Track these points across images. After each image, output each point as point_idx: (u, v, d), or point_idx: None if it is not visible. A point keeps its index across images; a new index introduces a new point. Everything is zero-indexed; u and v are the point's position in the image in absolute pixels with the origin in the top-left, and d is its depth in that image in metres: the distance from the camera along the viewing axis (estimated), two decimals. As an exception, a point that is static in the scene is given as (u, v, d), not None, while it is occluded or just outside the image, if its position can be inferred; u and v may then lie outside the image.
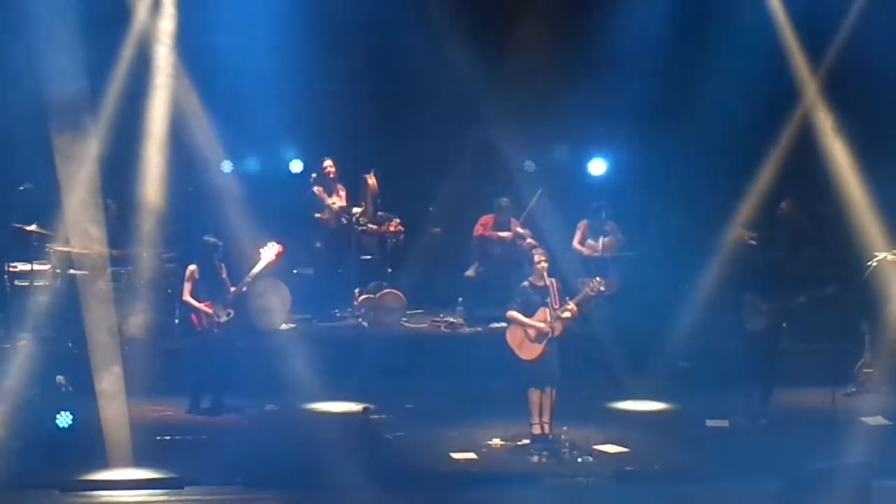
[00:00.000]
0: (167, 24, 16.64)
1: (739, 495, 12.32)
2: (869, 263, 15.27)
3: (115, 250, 15.97)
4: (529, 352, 13.58)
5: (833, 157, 17.26)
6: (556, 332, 13.51)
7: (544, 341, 13.53)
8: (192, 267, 14.71)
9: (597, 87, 17.23)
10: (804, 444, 13.23)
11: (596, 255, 16.97)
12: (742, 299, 14.74)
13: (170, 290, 15.99)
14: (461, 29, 17.79)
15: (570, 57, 17.37)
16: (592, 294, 13.71)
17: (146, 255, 16.24)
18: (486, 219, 17.73)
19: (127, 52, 16.56)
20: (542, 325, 13.51)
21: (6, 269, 16.04)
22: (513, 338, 13.69)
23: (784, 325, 15.01)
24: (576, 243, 17.21)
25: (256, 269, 14.82)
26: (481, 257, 17.63)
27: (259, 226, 16.03)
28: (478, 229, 17.64)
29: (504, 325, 13.99)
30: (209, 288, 14.62)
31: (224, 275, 14.70)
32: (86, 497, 12.18)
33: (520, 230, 17.41)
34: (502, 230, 17.51)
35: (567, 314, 13.51)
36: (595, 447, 13.26)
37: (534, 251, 13.99)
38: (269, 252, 14.88)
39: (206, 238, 14.75)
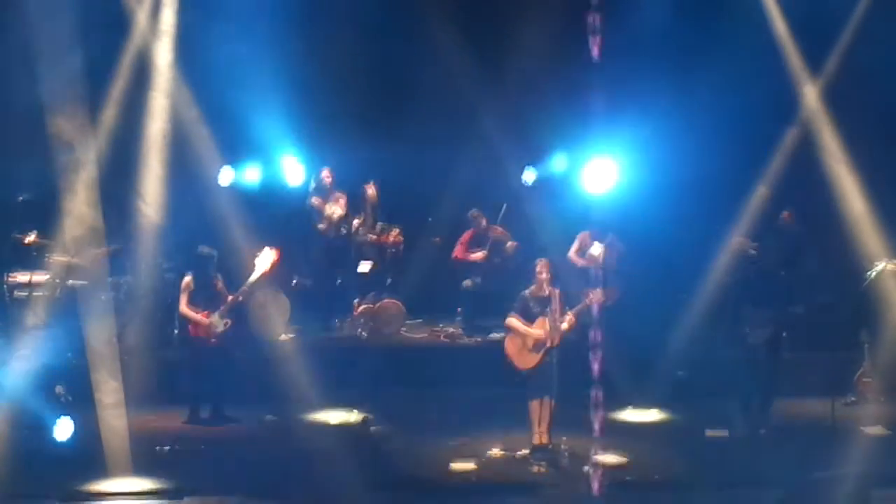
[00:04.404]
0: (166, 32, 16.66)
1: (739, 505, 12.37)
2: (868, 273, 15.27)
3: (112, 246, 15.99)
4: (527, 361, 13.59)
5: (833, 166, 17.26)
6: (555, 343, 13.51)
7: (542, 351, 13.53)
8: (187, 278, 14.74)
9: (595, 97, 17.21)
10: (804, 454, 13.22)
11: (596, 265, 16.95)
12: (741, 313, 14.72)
13: (169, 301, 15.98)
14: (460, 39, 17.81)
15: (569, 65, 17.35)
16: (592, 305, 13.71)
17: (145, 265, 16.24)
18: (466, 235, 17.87)
19: (126, 59, 16.59)
20: (540, 334, 13.52)
21: (5, 279, 16.04)
22: (511, 347, 13.70)
23: (784, 334, 14.99)
24: (571, 253, 17.23)
25: (252, 278, 14.84)
26: (480, 267, 17.68)
27: (258, 236, 16.03)
28: (456, 251, 17.79)
29: (503, 334, 13.99)
30: (206, 298, 14.64)
31: (220, 285, 14.71)
32: (85, 507, 12.22)
33: (498, 234, 17.56)
34: (481, 242, 17.67)
35: (566, 325, 13.53)
36: (595, 457, 13.25)
37: (536, 262, 13.98)
38: (265, 259, 14.89)
39: (200, 249, 14.78)
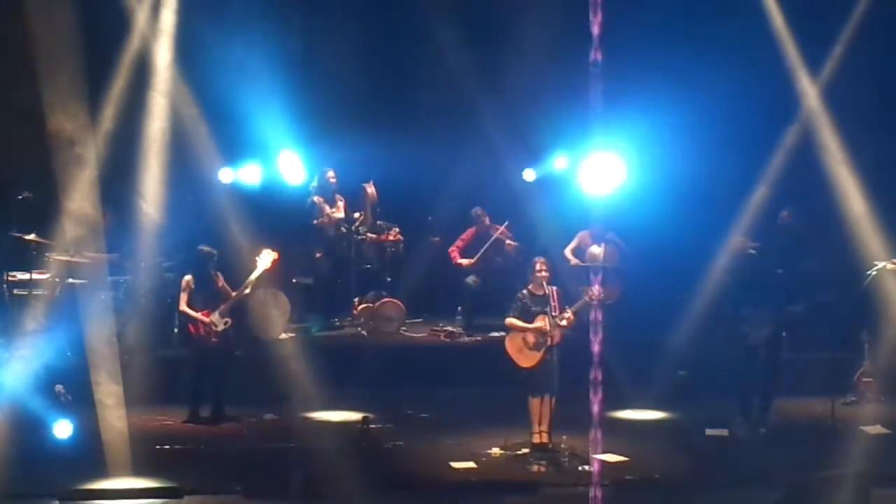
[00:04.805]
0: (167, 32, 16.65)
1: (739, 504, 12.37)
2: (868, 272, 15.26)
3: (111, 255, 15.99)
4: (528, 360, 13.58)
5: (833, 166, 17.26)
6: (555, 341, 13.51)
7: (543, 349, 13.52)
8: (187, 277, 14.73)
9: (595, 96, 17.21)
10: (804, 453, 13.23)
11: (596, 264, 16.95)
12: (741, 313, 14.72)
13: (169, 300, 15.99)
14: (460, 37, 17.80)
15: (569, 66, 17.35)
16: (591, 302, 13.70)
17: (145, 264, 16.24)
18: (467, 233, 17.89)
19: (126, 59, 16.58)
20: (540, 332, 13.50)
21: (5, 278, 16.02)
22: (511, 346, 13.68)
23: (784, 334, 14.99)
24: (567, 251, 17.22)
25: (253, 277, 14.84)
26: (480, 266, 17.69)
27: (258, 235, 16.03)
28: (452, 248, 17.82)
29: (503, 333, 13.98)
30: (206, 297, 14.63)
31: (221, 283, 14.70)
32: (84, 507, 12.21)
33: (500, 235, 17.58)
34: (483, 240, 17.74)
35: (565, 322, 13.52)
36: (595, 456, 13.25)
37: (535, 260, 13.97)
38: (266, 259, 14.90)
39: (201, 248, 14.77)
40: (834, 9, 17.23)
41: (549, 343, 13.51)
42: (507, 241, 17.70)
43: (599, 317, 13.59)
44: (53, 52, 15.23)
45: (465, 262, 17.80)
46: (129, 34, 16.62)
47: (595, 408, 13.83)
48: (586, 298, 13.67)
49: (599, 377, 13.75)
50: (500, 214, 18.01)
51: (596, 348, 13.55)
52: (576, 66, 16.03)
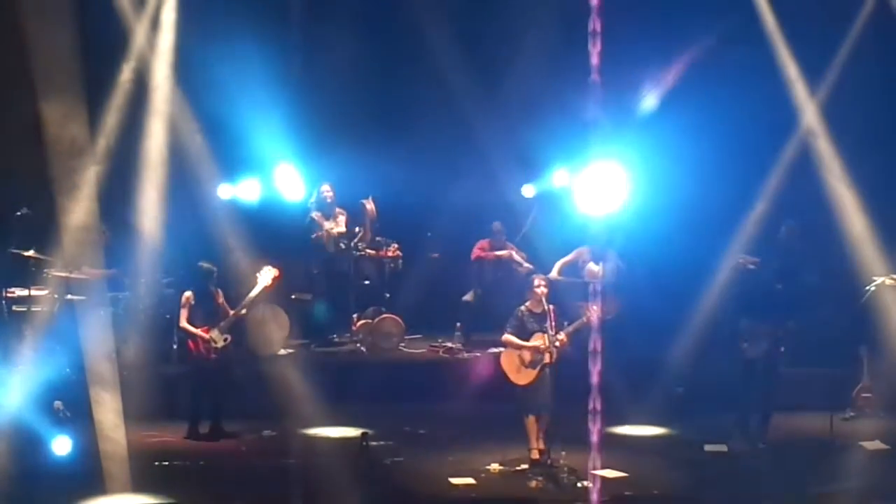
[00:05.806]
0: (165, 48, 16.70)
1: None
2: (867, 288, 15.26)
3: (110, 270, 16.01)
4: (523, 377, 13.55)
5: (832, 182, 17.27)
6: (552, 359, 13.47)
7: (538, 367, 13.50)
8: (187, 293, 14.74)
9: (594, 113, 17.25)
10: (802, 469, 13.22)
11: (595, 281, 16.93)
12: (739, 327, 14.72)
13: (168, 316, 15.99)
14: (459, 54, 17.84)
15: (568, 80, 17.37)
16: (589, 322, 13.68)
17: (144, 280, 16.25)
18: (483, 243, 17.83)
19: (125, 76, 16.62)
20: (537, 350, 13.48)
21: (4, 294, 16.02)
22: (507, 362, 13.67)
23: (782, 349, 14.98)
24: (558, 263, 17.10)
25: (253, 293, 14.84)
26: (479, 282, 17.68)
27: (257, 251, 16.04)
28: (475, 252, 17.76)
29: (501, 350, 13.97)
30: (206, 314, 14.64)
31: (221, 300, 14.72)
32: (83, 523, 12.20)
33: (515, 255, 17.52)
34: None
35: (557, 344, 13.47)
36: (593, 472, 13.23)
37: (533, 276, 13.96)
38: (266, 276, 14.91)
39: (200, 264, 14.78)
40: (833, 24, 17.25)
41: (545, 361, 13.48)
42: (524, 265, 17.51)
43: (598, 333, 13.58)
44: (53, 69, 15.26)
45: (503, 253, 17.69)
46: (128, 51, 16.67)
47: (593, 423, 13.84)
48: (583, 319, 13.65)
49: (598, 393, 13.74)
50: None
51: (594, 364, 13.54)
52: (575, 80, 16.09)
